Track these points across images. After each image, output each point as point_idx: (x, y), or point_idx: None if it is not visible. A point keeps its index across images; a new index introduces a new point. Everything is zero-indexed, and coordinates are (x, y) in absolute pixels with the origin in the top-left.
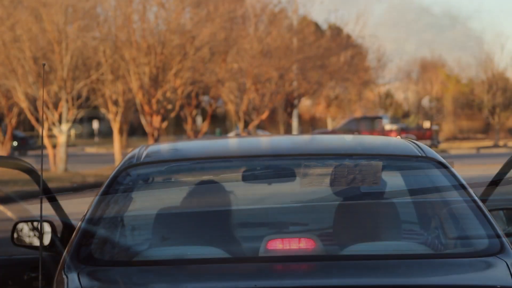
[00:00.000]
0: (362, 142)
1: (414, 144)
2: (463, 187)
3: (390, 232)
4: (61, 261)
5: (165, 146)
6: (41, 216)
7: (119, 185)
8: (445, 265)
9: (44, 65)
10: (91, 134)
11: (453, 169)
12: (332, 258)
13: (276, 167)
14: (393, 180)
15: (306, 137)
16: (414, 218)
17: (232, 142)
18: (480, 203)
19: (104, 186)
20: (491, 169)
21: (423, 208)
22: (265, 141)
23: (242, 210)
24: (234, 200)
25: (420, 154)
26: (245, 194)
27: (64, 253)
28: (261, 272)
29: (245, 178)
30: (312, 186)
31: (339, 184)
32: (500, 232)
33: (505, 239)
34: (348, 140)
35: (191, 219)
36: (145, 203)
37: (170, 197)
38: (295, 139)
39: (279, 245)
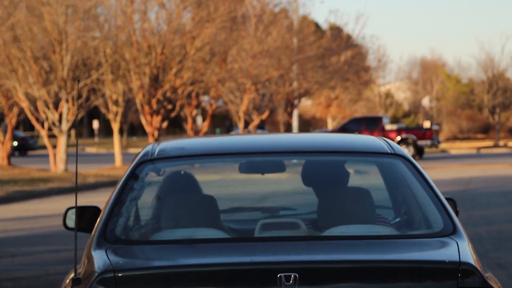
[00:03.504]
0: (340, 140)
1: (385, 142)
2: (425, 179)
3: (364, 217)
4: (89, 240)
5: (174, 143)
6: (76, 203)
7: (136, 176)
8: (407, 244)
9: (78, 81)
10: (91, 134)
11: (417, 164)
12: (315, 238)
13: (269, 161)
14: (367, 173)
15: (296, 135)
16: (390, 206)
17: (232, 139)
18: (439, 193)
19: (123, 178)
20: (491, 169)
21: (394, 198)
22: (260, 139)
23: (242, 197)
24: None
25: (389, 151)
26: (244, 184)
27: (91, 233)
28: (256, 250)
29: (241, 169)
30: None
31: (317, 177)
32: (454, 217)
33: (458, 223)
34: (328, 138)
35: (196, 206)
36: (157, 192)
37: (178, 187)
38: (285, 137)
39: (271, 227)
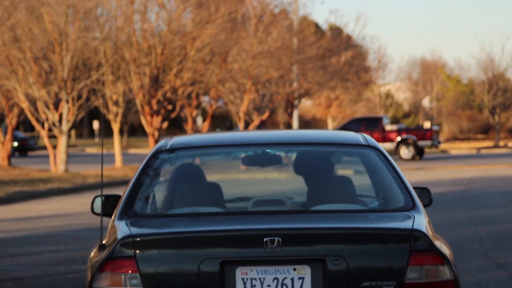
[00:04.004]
0: (324, 134)
1: (362, 136)
2: (392, 166)
3: (344, 198)
4: (113, 215)
5: (185, 138)
6: (101, 191)
7: (152, 164)
8: (374, 216)
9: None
10: (92, 135)
11: (387, 154)
12: (298, 212)
13: (267, 153)
14: (347, 162)
15: (288, 131)
16: (372, 192)
17: (234, 134)
18: (403, 177)
19: (141, 165)
20: (492, 170)
21: (373, 183)
22: (259, 133)
23: (244, 187)
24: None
25: (364, 143)
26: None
27: (115, 210)
28: (248, 220)
29: (244, 162)
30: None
31: (306, 166)
32: (415, 196)
33: (417, 201)
34: (315, 133)
35: (204, 190)
36: (169, 177)
37: (187, 175)
38: (279, 133)
39: (262, 203)
